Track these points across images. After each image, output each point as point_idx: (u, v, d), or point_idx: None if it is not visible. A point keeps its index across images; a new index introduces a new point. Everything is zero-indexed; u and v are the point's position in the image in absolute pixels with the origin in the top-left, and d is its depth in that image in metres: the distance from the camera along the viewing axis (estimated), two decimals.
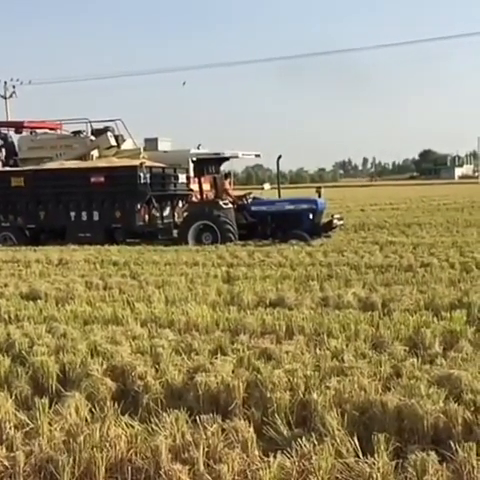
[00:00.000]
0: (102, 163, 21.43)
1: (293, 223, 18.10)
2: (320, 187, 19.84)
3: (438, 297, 8.86)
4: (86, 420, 5.16)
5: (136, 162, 20.45)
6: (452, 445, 4.37)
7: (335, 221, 18.72)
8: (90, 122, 23.04)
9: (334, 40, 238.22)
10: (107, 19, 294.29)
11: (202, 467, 4.37)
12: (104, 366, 6.22)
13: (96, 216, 20.37)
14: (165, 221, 20.92)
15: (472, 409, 4.89)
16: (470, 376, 5.41)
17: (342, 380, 5.47)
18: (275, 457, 4.36)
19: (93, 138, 22.81)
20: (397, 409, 4.94)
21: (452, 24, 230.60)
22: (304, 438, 4.54)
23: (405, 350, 6.56)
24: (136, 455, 4.57)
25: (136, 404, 5.59)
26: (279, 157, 19.72)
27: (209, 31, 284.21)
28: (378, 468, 4.18)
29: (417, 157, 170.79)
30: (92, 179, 20.20)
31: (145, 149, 22.57)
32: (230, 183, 20.79)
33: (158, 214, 20.77)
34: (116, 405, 5.44)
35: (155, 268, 13.44)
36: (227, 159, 19.58)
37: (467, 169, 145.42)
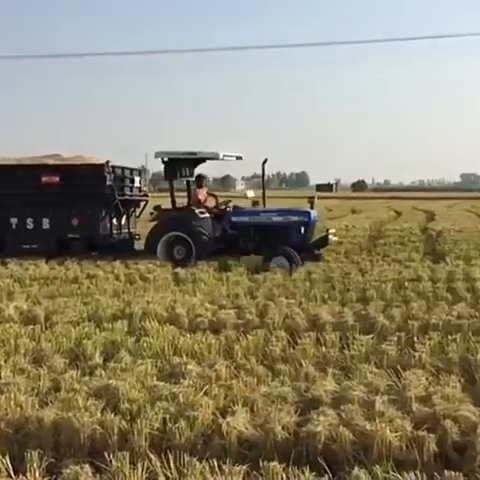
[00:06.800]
0: (55, 160, 17.26)
1: (281, 238, 14.85)
2: (313, 197, 16.90)
3: (102, 308, 8.95)
4: None
5: (100, 160, 16.75)
6: (107, 456, 4.40)
7: (330, 237, 15.49)
8: None
9: None
10: None
11: None
12: None
13: (46, 224, 16.41)
14: (122, 231, 17.48)
15: (128, 418, 4.99)
16: (128, 385, 5.52)
17: None
18: None
19: None
20: (54, 424, 4.88)
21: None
22: None
23: (66, 362, 6.56)
24: None
25: None
26: (265, 161, 16.34)
27: None
28: None
29: None
30: (43, 179, 16.33)
31: None
32: (201, 186, 16.28)
33: (116, 223, 17.23)
34: None
35: None
36: (204, 160, 16.17)
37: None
